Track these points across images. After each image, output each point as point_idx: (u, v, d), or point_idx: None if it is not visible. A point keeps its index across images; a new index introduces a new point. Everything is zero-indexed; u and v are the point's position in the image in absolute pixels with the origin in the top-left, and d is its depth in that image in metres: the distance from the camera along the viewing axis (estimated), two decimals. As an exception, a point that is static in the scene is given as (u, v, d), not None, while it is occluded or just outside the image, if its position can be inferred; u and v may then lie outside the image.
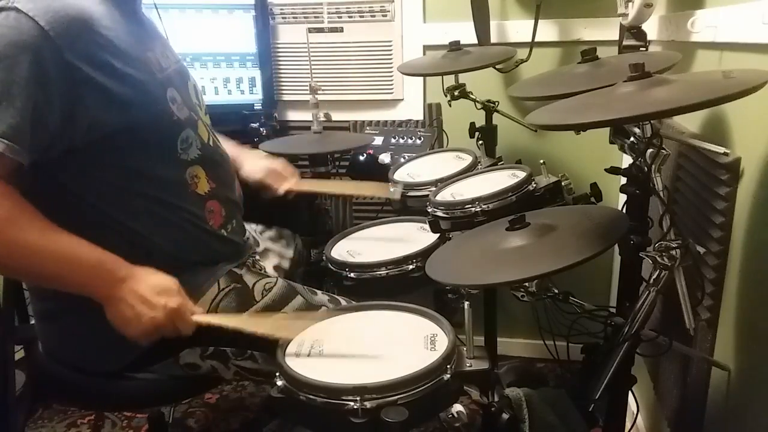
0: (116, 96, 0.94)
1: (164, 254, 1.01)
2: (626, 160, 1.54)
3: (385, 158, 1.73)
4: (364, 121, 2.06)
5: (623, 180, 1.08)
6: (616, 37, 1.58)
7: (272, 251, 1.36)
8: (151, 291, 0.94)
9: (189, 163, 1.07)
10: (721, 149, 0.99)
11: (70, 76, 0.89)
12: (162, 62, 1.08)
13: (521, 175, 1.27)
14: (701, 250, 1.03)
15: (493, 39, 1.86)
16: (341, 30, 2.02)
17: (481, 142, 1.65)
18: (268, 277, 1.18)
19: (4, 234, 0.88)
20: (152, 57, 1.05)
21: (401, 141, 1.82)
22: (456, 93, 1.64)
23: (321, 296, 1.17)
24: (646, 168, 0.97)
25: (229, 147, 1.38)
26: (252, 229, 1.38)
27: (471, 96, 1.65)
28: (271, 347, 1.07)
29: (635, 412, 1.26)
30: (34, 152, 0.90)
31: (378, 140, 1.82)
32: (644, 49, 1.41)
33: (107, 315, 0.94)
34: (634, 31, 1.41)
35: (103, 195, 0.99)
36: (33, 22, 0.86)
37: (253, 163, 1.39)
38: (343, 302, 1.17)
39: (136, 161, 1.00)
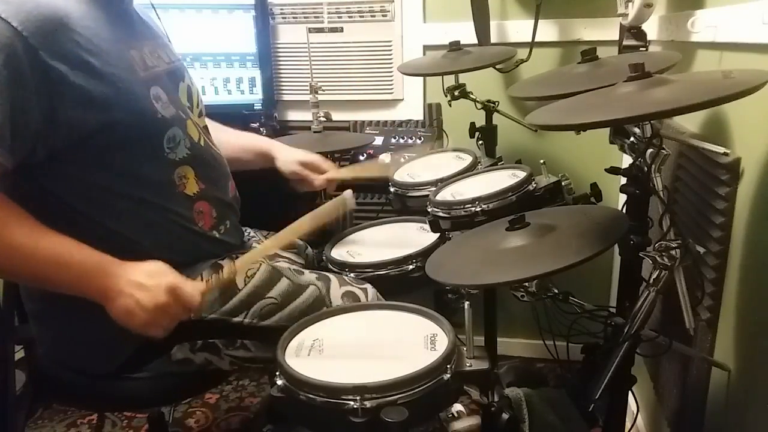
0: (95, 94, 0.93)
1: (151, 256, 0.98)
2: (626, 160, 1.54)
3: (385, 158, 1.73)
4: (364, 121, 2.06)
5: (623, 180, 1.08)
6: (616, 37, 1.58)
7: (282, 256, 1.36)
8: (145, 276, 0.93)
9: (177, 163, 1.06)
10: (721, 149, 0.99)
11: (47, 76, 0.89)
12: (148, 61, 1.07)
13: (521, 175, 1.27)
14: (701, 250, 1.03)
15: (493, 39, 1.86)
16: (341, 30, 2.02)
17: (481, 142, 1.65)
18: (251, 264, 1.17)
19: None
20: (136, 55, 1.04)
21: (401, 141, 1.82)
22: (456, 93, 1.64)
23: (308, 275, 1.16)
24: (646, 168, 0.97)
25: (261, 140, 1.41)
26: (261, 236, 1.38)
27: (471, 96, 1.64)
28: (258, 335, 1.08)
29: (635, 412, 1.26)
30: (17, 155, 0.89)
31: (378, 140, 1.82)
32: (644, 49, 1.41)
33: (111, 314, 0.93)
34: (634, 31, 1.41)
35: (87, 197, 0.99)
36: (5, 23, 0.86)
37: (288, 154, 1.39)
38: (347, 280, 1.17)
39: (120, 161, 0.99)
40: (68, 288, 0.94)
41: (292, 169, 1.38)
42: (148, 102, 1.02)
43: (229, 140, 1.38)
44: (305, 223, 1.05)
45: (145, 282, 0.92)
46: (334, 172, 1.41)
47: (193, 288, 0.96)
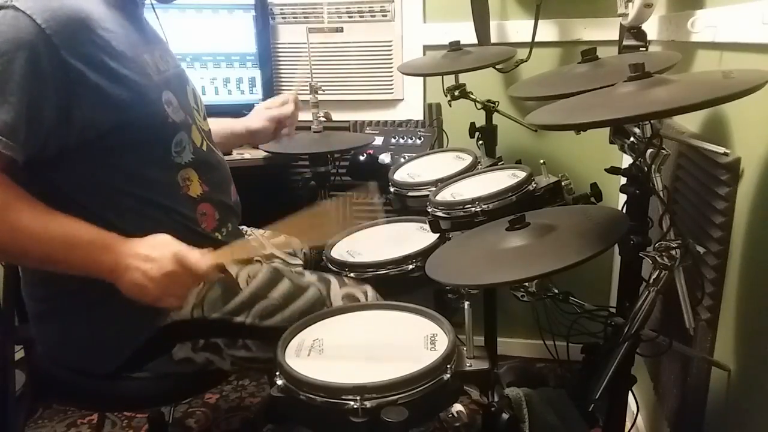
0: (111, 96, 0.94)
1: None
2: (626, 160, 1.54)
3: (385, 158, 1.73)
4: (364, 121, 2.06)
5: (623, 180, 1.09)
6: (616, 37, 1.58)
7: (277, 257, 1.36)
8: (150, 248, 0.94)
9: (182, 167, 1.07)
10: (721, 149, 0.99)
11: (66, 74, 0.90)
12: (160, 65, 1.08)
13: (521, 175, 1.27)
14: (701, 250, 1.03)
15: (493, 39, 1.87)
16: (341, 30, 2.03)
17: (481, 142, 1.65)
18: (252, 264, 1.17)
19: (3, 218, 0.89)
20: (150, 59, 1.05)
21: (401, 141, 1.82)
22: (456, 93, 1.64)
23: (309, 277, 1.17)
24: (646, 168, 0.97)
25: (226, 121, 1.43)
26: (259, 233, 1.38)
27: (471, 96, 1.65)
28: (259, 335, 1.08)
29: (635, 412, 1.26)
30: (28, 149, 0.90)
31: (378, 140, 1.82)
32: (644, 49, 1.41)
33: (123, 291, 0.94)
34: (634, 31, 1.41)
35: (94, 195, 1.00)
36: (30, 20, 0.87)
37: (252, 115, 1.44)
38: (350, 283, 1.17)
39: (129, 162, 1.00)
40: (77, 267, 0.95)
41: (264, 117, 1.43)
42: (161, 106, 1.03)
43: None
44: (301, 221, 1.04)
45: (151, 253, 0.93)
46: (291, 93, 1.47)
47: (200, 255, 0.96)
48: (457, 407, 1.18)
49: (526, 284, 1.20)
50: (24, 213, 0.91)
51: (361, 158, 1.75)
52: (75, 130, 0.93)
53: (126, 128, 0.98)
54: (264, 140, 1.49)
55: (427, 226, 1.28)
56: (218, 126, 1.40)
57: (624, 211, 1.04)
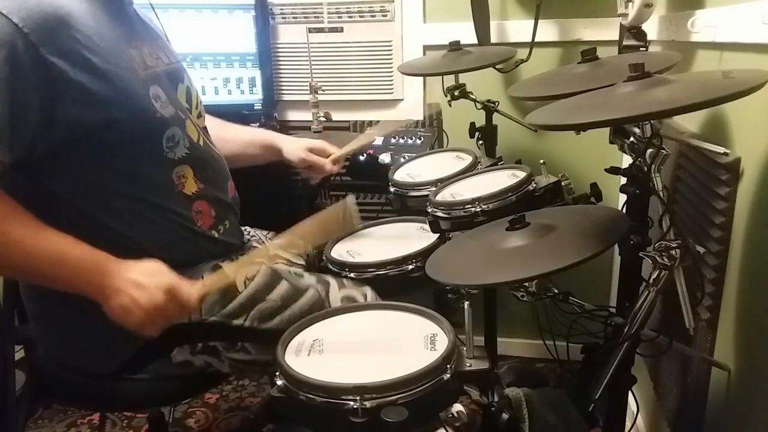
0: (95, 92, 0.94)
1: (151, 256, 0.98)
2: (626, 160, 1.54)
3: (385, 158, 1.73)
4: (364, 121, 2.06)
5: (623, 180, 1.08)
6: (616, 37, 1.58)
7: (282, 257, 1.35)
8: (143, 275, 0.93)
9: (176, 163, 1.06)
10: (721, 149, 0.99)
11: (47, 73, 0.89)
12: (148, 60, 1.07)
13: (521, 175, 1.27)
14: (701, 250, 1.03)
15: (493, 39, 1.87)
16: (341, 30, 2.03)
17: (481, 142, 1.65)
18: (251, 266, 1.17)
19: None
20: (136, 54, 1.05)
21: (401, 141, 1.82)
22: (456, 93, 1.64)
23: (308, 278, 1.16)
24: (646, 168, 0.97)
25: (266, 133, 1.44)
26: (262, 235, 1.38)
27: (471, 96, 1.65)
28: (258, 338, 1.08)
29: (635, 412, 1.26)
30: (15, 151, 0.89)
31: (378, 140, 1.82)
32: (644, 49, 1.41)
33: (106, 311, 0.93)
34: (634, 31, 1.41)
35: (86, 196, 0.99)
36: (6, 19, 0.86)
37: (294, 144, 1.41)
38: (346, 283, 1.17)
39: (120, 160, 1.00)
40: (65, 285, 0.94)
41: (301, 156, 1.40)
42: (148, 101, 1.02)
43: (234, 136, 1.39)
44: (307, 226, 1.05)
45: (143, 281, 0.92)
46: (339, 152, 1.44)
47: (191, 289, 0.96)
48: (457, 407, 1.18)
49: (526, 284, 1.20)
50: (15, 226, 0.89)
51: (361, 158, 1.75)
52: (61, 129, 0.92)
53: (113, 124, 0.96)
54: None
55: (427, 226, 1.28)
56: (250, 135, 1.43)
57: (624, 211, 1.04)
